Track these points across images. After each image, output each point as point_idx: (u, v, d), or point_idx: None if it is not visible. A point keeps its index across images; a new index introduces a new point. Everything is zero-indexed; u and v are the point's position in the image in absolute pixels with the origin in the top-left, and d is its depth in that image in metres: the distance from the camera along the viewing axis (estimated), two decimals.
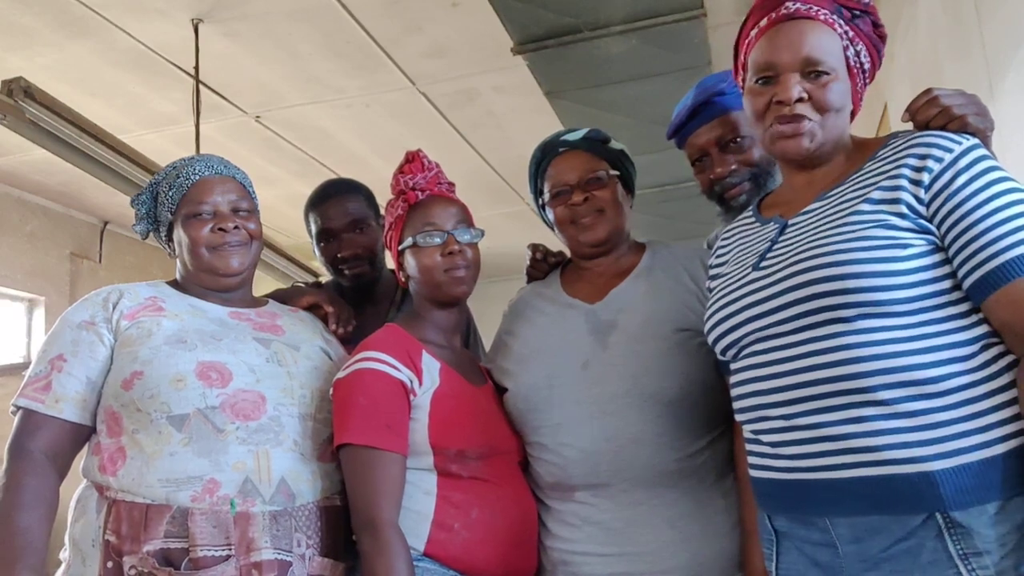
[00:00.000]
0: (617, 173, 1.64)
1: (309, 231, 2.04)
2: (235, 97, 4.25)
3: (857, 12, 1.24)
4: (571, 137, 1.65)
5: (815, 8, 1.23)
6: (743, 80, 1.33)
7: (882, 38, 1.27)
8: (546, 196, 1.65)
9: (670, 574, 1.42)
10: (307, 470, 1.42)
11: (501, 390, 1.61)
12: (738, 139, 1.63)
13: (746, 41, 1.30)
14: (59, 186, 5.19)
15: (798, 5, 1.23)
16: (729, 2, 3.53)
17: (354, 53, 3.87)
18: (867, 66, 1.25)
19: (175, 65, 3.84)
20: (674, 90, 3.85)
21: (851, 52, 1.23)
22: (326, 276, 2.19)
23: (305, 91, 4.22)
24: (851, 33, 1.23)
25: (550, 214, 1.66)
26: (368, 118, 4.57)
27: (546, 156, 1.66)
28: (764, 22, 1.26)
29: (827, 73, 1.21)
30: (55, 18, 3.43)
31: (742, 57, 1.32)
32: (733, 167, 1.64)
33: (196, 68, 3.60)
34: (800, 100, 1.21)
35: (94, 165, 3.52)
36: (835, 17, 1.23)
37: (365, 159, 5.00)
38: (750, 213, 1.40)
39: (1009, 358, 1.07)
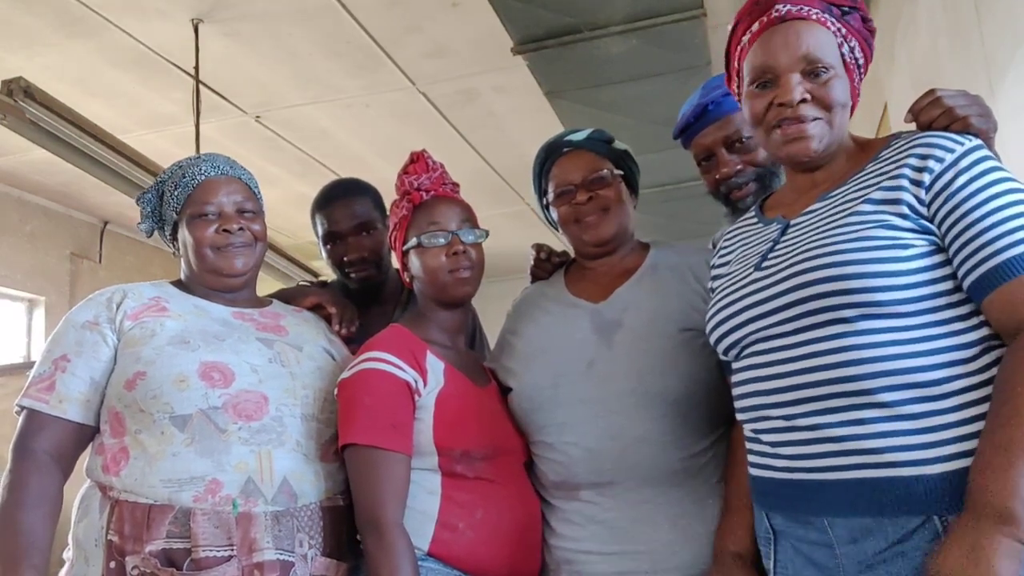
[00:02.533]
0: (621, 173, 1.64)
1: (315, 232, 2.03)
2: (235, 97, 4.25)
3: (846, 8, 1.24)
4: (575, 137, 1.65)
5: (806, 8, 1.22)
6: (738, 87, 1.33)
7: (872, 32, 1.27)
8: (550, 196, 1.65)
9: (673, 573, 1.42)
10: (310, 470, 1.42)
11: (505, 390, 1.61)
12: (744, 139, 1.63)
13: (738, 48, 1.30)
14: (59, 186, 5.19)
15: (788, 7, 1.22)
16: (729, 2, 3.53)
17: (354, 53, 3.87)
18: (861, 61, 1.25)
19: (175, 65, 3.84)
20: (674, 90, 3.88)
21: (846, 49, 1.23)
22: (326, 276, 2.18)
23: (305, 91, 4.22)
24: (844, 30, 1.23)
25: (554, 214, 1.66)
26: (368, 118, 4.57)
27: (550, 156, 1.66)
28: (756, 27, 1.25)
29: (827, 70, 1.20)
30: (55, 18, 3.43)
31: (735, 64, 1.32)
32: (739, 167, 1.64)
33: (196, 68, 3.60)
34: (804, 101, 1.20)
35: (94, 165, 3.52)
36: (827, 15, 1.22)
37: (365, 159, 5.00)
38: (753, 213, 1.41)
39: None
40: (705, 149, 1.69)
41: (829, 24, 1.22)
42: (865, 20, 1.26)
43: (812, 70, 1.20)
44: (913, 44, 2.93)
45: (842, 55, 1.23)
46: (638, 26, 3.44)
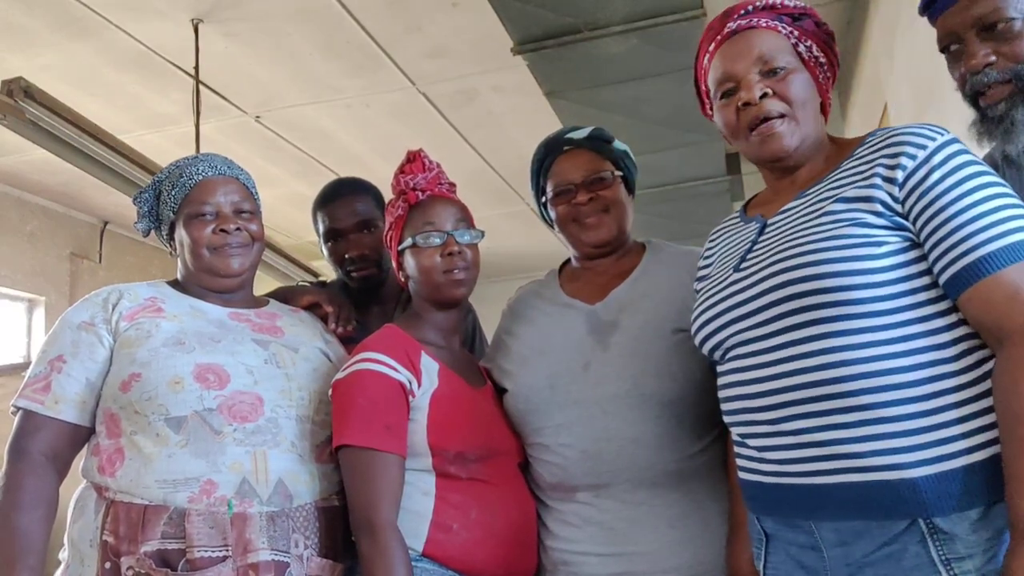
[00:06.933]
0: (621, 174, 1.63)
1: (316, 230, 2.03)
2: (235, 97, 4.25)
3: (796, 15, 1.28)
4: (575, 135, 1.64)
5: (755, 19, 1.27)
6: (710, 108, 1.35)
7: (830, 35, 1.29)
8: (549, 194, 1.64)
9: (671, 574, 1.41)
10: (305, 471, 1.42)
11: (500, 390, 1.61)
12: (1005, 22, 1.24)
13: (703, 70, 1.34)
14: (59, 186, 5.19)
15: (739, 22, 1.28)
16: (729, 2, 3.53)
17: (354, 53, 3.87)
18: (823, 60, 1.28)
19: (175, 65, 3.84)
20: (674, 90, 3.88)
21: (803, 47, 1.26)
22: (326, 276, 2.18)
23: (305, 91, 4.22)
24: (797, 32, 1.27)
25: (552, 213, 1.65)
26: (368, 118, 4.57)
27: (549, 154, 1.65)
28: (712, 46, 1.30)
29: (784, 68, 1.24)
30: (55, 18, 3.44)
31: (703, 86, 1.36)
32: (991, 59, 1.26)
33: (196, 68, 3.60)
34: (765, 96, 1.23)
35: (94, 165, 3.52)
36: (777, 22, 1.27)
37: (365, 159, 5.00)
38: (737, 213, 1.41)
39: (992, 362, 1.06)
40: (950, 33, 1.30)
41: (780, 28, 1.26)
42: (819, 24, 1.29)
43: (769, 69, 1.24)
44: (913, 44, 2.92)
45: (799, 53, 1.26)
46: (638, 26, 3.44)
